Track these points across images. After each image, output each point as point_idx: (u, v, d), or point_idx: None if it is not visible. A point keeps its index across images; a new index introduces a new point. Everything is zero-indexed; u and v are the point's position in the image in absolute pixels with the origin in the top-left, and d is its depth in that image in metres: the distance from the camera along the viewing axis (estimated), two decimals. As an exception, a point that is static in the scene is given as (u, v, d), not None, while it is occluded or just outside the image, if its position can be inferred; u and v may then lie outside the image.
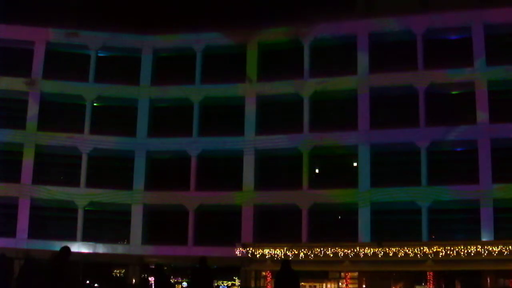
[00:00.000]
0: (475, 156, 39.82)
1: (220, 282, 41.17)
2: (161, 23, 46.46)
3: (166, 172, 45.74)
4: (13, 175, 43.71)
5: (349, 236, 40.21)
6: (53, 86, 45.00)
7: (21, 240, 42.28)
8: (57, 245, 41.58)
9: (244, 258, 40.31)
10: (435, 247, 37.14)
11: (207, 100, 45.20)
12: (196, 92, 45.31)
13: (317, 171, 43.93)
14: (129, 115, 45.87)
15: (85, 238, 43.51)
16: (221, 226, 43.49)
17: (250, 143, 43.79)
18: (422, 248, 37.27)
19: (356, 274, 40.03)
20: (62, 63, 45.79)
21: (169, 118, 46.19)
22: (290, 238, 41.13)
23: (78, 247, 41.89)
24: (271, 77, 44.08)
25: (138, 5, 47.72)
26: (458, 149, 41.18)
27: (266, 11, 44.56)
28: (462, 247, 36.46)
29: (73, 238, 43.15)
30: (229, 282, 41.32)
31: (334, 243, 38.85)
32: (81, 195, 44.14)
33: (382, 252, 37.75)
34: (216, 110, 45.46)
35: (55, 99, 45.18)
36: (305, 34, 44.03)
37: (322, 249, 38.69)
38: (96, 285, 42.29)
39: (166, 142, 44.92)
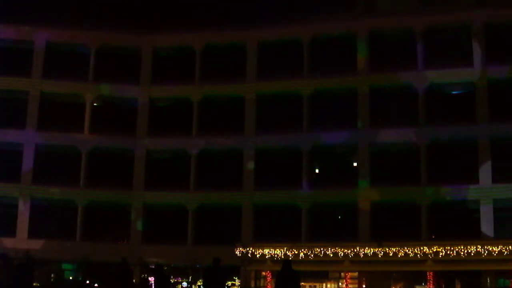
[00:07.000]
0: (475, 155, 39.85)
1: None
2: (160, 22, 46.38)
3: (166, 172, 45.71)
4: (13, 175, 43.70)
5: (349, 236, 40.23)
6: (53, 86, 44.97)
7: (21, 240, 42.25)
8: (57, 245, 42.20)
9: (244, 258, 40.29)
10: (435, 247, 37.12)
11: (207, 99, 45.18)
12: (195, 91, 45.29)
13: (317, 171, 43.93)
14: (128, 114, 45.85)
15: (85, 238, 43.48)
16: (221, 226, 43.45)
17: (250, 142, 43.77)
18: (422, 248, 37.23)
19: (356, 274, 40.00)
20: (62, 63, 45.75)
21: (169, 117, 46.14)
22: (290, 238, 41.10)
23: (78, 247, 41.84)
24: (270, 76, 44.05)
25: (137, 4, 47.61)
26: (458, 149, 41.16)
27: (266, 11, 44.50)
28: (462, 247, 36.43)
29: (73, 238, 43.19)
30: (229, 282, 41.25)
31: (334, 243, 38.83)
32: (81, 195, 44.14)
33: (382, 252, 37.74)
34: (216, 109, 45.44)
35: (55, 99, 45.19)
36: (305, 34, 44.02)
37: (322, 249, 38.66)
38: (96, 285, 42.26)
39: (165, 141, 44.91)
